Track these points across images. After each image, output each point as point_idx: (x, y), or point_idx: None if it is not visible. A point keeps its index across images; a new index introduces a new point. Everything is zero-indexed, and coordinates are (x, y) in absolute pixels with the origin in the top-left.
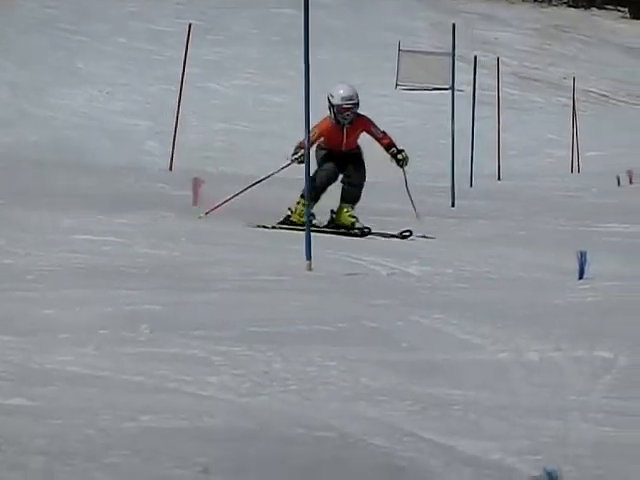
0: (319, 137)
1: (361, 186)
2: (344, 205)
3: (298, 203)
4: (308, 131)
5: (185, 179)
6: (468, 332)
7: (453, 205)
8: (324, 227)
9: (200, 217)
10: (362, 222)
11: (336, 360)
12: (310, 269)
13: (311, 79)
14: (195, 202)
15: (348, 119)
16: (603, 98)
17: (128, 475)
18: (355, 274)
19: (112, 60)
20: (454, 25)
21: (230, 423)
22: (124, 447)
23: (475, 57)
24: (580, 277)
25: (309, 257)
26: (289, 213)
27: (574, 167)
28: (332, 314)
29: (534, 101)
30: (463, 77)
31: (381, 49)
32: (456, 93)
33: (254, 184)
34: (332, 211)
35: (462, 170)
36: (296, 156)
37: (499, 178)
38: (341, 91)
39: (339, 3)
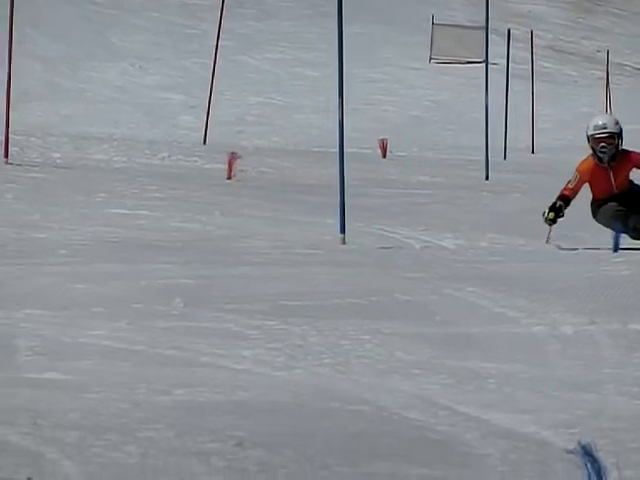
0: (582, 182)
1: None
2: None
3: None
4: (342, 105)
5: (219, 153)
6: (503, 305)
7: (487, 178)
8: None
9: (547, 242)
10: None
11: (370, 334)
12: (344, 243)
13: (345, 53)
14: (229, 176)
15: (607, 153)
16: (637, 71)
17: (162, 449)
18: (389, 247)
19: (145, 34)
20: None
21: (264, 397)
22: (158, 421)
23: (509, 30)
24: (615, 250)
25: (343, 231)
26: None
27: None
28: (366, 287)
29: (568, 74)
30: (497, 50)
31: (415, 22)
32: (490, 66)
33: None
34: None
35: (496, 143)
36: (545, 215)
37: (533, 151)
38: (598, 121)
39: None
